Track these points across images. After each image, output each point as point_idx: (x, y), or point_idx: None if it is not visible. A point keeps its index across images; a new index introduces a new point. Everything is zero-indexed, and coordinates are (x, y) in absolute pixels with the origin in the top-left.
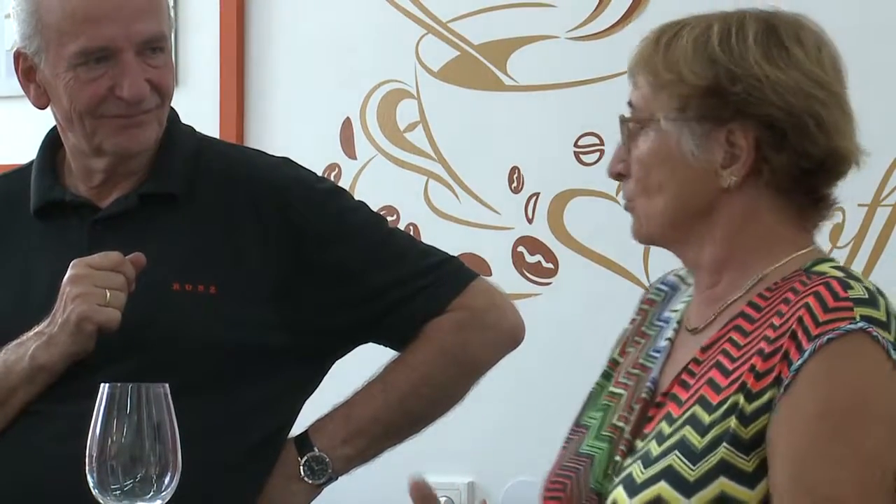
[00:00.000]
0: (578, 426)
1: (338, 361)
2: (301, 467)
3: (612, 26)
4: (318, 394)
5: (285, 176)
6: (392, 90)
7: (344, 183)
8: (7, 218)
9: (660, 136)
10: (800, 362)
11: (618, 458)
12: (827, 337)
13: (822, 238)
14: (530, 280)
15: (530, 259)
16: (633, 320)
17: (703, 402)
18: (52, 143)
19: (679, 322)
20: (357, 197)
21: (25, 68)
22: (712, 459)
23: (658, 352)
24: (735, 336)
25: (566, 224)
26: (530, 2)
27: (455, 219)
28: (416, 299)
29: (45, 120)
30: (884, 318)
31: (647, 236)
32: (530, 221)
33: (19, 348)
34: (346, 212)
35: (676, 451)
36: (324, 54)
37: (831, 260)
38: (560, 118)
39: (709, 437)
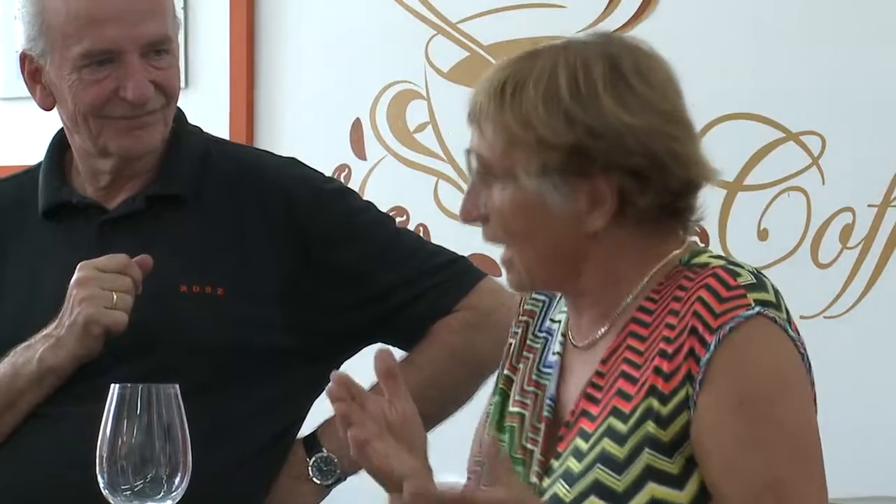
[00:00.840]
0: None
1: (346, 362)
2: (309, 468)
3: (622, 27)
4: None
5: (293, 176)
6: (402, 91)
7: (354, 184)
8: (15, 219)
9: (519, 190)
10: (707, 356)
11: (534, 480)
12: (728, 327)
13: (832, 238)
14: None
15: None
16: (515, 333)
17: (616, 412)
18: (59, 145)
19: (564, 335)
20: (367, 198)
21: (31, 70)
22: (637, 467)
23: (549, 367)
24: (633, 343)
25: None
26: (540, 2)
27: None
28: (424, 299)
29: (53, 121)
30: (773, 300)
31: (529, 286)
32: None
33: (27, 351)
34: (353, 212)
35: (599, 465)
36: (333, 55)
37: (706, 250)
38: None
39: (628, 445)
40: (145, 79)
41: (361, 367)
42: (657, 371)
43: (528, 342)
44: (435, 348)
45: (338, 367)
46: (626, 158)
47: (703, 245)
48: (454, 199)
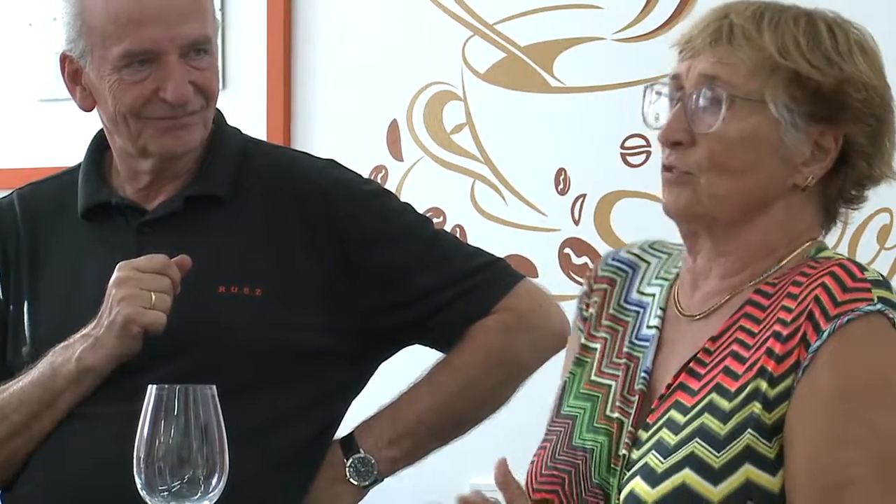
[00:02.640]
0: (560, 417)
1: (383, 363)
2: (347, 469)
3: (659, 28)
4: (364, 395)
5: (331, 178)
6: (438, 92)
7: (391, 185)
8: (55, 220)
9: (762, 119)
10: (818, 344)
11: (623, 451)
12: (847, 318)
13: (870, 240)
14: (577, 282)
15: (577, 261)
16: (592, 302)
17: (720, 389)
18: (98, 146)
19: (663, 308)
20: (404, 199)
21: (71, 71)
22: (737, 446)
23: (644, 339)
24: (747, 324)
25: (613, 226)
26: (577, 3)
27: (502, 220)
28: (462, 301)
29: (93, 122)
30: (894, 299)
31: (702, 214)
32: (577, 223)
33: (66, 350)
34: (391, 213)
35: (697, 439)
36: (370, 56)
37: (827, 248)
38: (607, 120)
39: (731, 423)
40: (185, 79)
41: (399, 369)
42: (769, 352)
43: (611, 312)
44: (472, 350)
45: (375, 369)
46: (869, 118)
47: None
48: (491, 201)
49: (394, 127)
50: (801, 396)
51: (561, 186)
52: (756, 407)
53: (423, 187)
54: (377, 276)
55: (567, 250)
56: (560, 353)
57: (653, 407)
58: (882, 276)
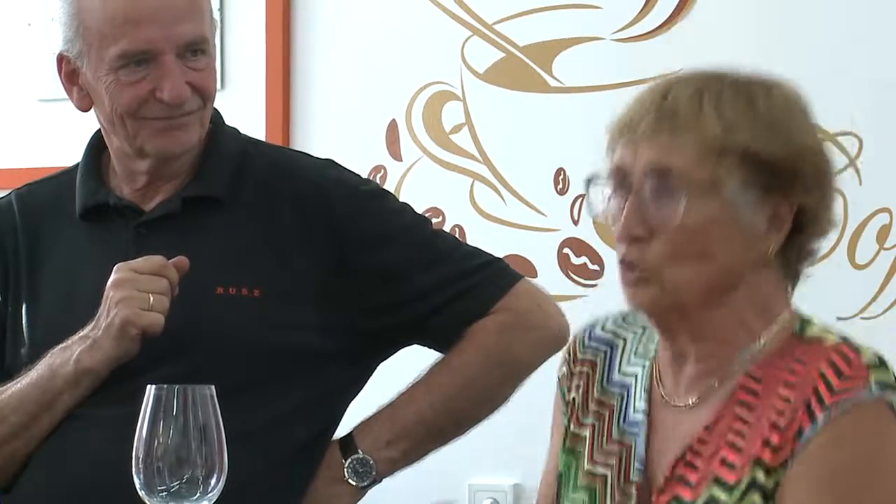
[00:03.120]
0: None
1: (382, 363)
2: (345, 469)
3: (658, 28)
4: (363, 396)
5: (330, 178)
6: (437, 92)
7: (389, 185)
8: (52, 221)
9: (719, 203)
10: (810, 433)
11: None
12: (842, 409)
13: (869, 239)
14: (576, 282)
15: (576, 261)
16: (574, 386)
17: (719, 482)
18: (96, 146)
19: (647, 391)
20: (403, 199)
21: (68, 71)
22: None
23: (633, 425)
24: (741, 412)
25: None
26: (576, 3)
27: (501, 220)
28: (461, 301)
29: (91, 122)
30: (892, 381)
31: (671, 306)
32: (576, 223)
33: (64, 352)
34: (390, 214)
35: None
36: (369, 56)
37: (812, 321)
38: (606, 120)
39: None
40: (182, 80)
41: (397, 369)
42: (766, 443)
43: (597, 396)
44: (471, 350)
45: (374, 369)
46: (819, 181)
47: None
48: (490, 201)
49: (393, 127)
50: (791, 484)
51: (560, 186)
52: (756, 498)
53: (422, 187)
54: (376, 277)
55: (566, 250)
56: (559, 354)
57: (652, 500)
58: (879, 356)
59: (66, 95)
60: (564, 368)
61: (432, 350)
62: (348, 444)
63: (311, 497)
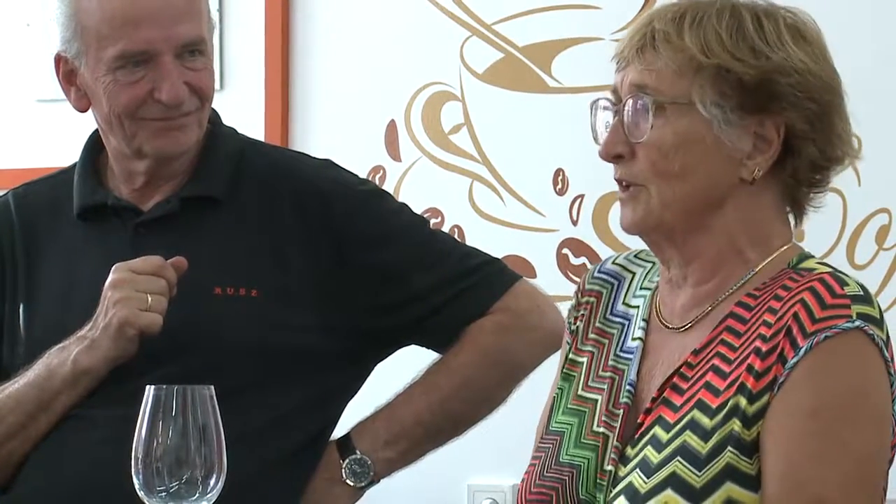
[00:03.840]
0: (549, 433)
1: (380, 363)
2: (343, 470)
3: None
4: (361, 396)
5: (328, 178)
6: (436, 92)
7: (388, 185)
8: (50, 221)
9: (693, 120)
10: (794, 360)
11: (609, 467)
12: (824, 335)
13: (868, 240)
14: (575, 282)
15: (575, 261)
16: (579, 315)
17: (701, 405)
18: (94, 146)
19: (646, 320)
20: (401, 199)
21: (66, 72)
22: (718, 464)
23: (629, 352)
24: (728, 338)
25: (611, 226)
26: (575, 4)
27: (500, 221)
28: (459, 301)
29: (90, 123)
30: (878, 316)
31: (655, 224)
32: (575, 223)
33: (62, 352)
34: (388, 214)
35: (679, 458)
36: (368, 57)
37: (813, 257)
38: None
39: (712, 441)
40: (180, 80)
41: (395, 370)
42: (749, 368)
43: (598, 325)
44: (469, 350)
45: (372, 369)
46: (807, 102)
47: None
48: (489, 201)
49: (392, 127)
50: (775, 412)
51: (559, 187)
52: (736, 424)
53: (421, 188)
54: (374, 277)
55: (565, 250)
56: (556, 355)
57: (640, 421)
58: (864, 290)
59: (64, 96)
60: (573, 300)
61: (430, 350)
62: (346, 444)
63: (310, 497)
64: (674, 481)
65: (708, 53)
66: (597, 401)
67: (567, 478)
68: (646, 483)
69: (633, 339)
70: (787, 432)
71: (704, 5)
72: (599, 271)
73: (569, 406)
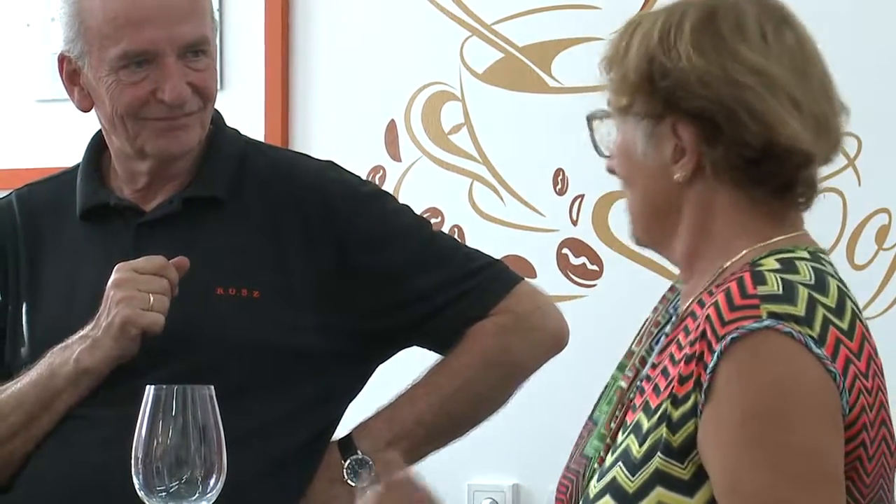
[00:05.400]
0: (590, 420)
1: (381, 364)
2: (344, 470)
3: None
4: (362, 397)
5: (329, 179)
6: (436, 92)
7: (388, 185)
8: (53, 221)
9: (619, 132)
10: (712, 364)
11: (596, 465)
12: (730, 337)
13: (868, 240)
14: (575, 282)
15: (575, 261)
16: (656, 308)
17: (646, 408)
18: (96, 147)
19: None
20: (401, 199)
21: (69, 71)
22: (649, 469)
23: (658, 344)
24: (681, 337)
25: (611, 226)
26: (575, 3)
27: (500, 221)
28: (460, 303)
29: (90, 123)
30: (801, 313)
31: (635, 238)
32: (575, 223)
33: (64, 351)
34: (389, 215)
35: (620, 463)
36: (368, 57)
37: (791, 251)
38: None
39: (646, 445)
40: (182, 80)
41: (397, 371)
42: (679, 373)
43: (659, 318)
44: (470, 352)
45: (373, 370)
46: (691, 100)
47: (805, 245)
48: (489, 201)
49: (392, 127)
50: (706, 422)
51: (559, 187)
52: (664, 430)
53: (420, 188)
54: (375, 278)
55: (565, 251)
56: (560, 355)
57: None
58: (784, 288)
59: (64, 96)
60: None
61: (432, 352)
62: (348, 444)
63: (311, 497)
64: (612, 487)
65: (619, 67)
66: (623, 391)
67: (582, 469)
68: (595, 487)
69: (664, 333)
70: (724, 444)
71: (640, 18)
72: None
73: (612, 396)
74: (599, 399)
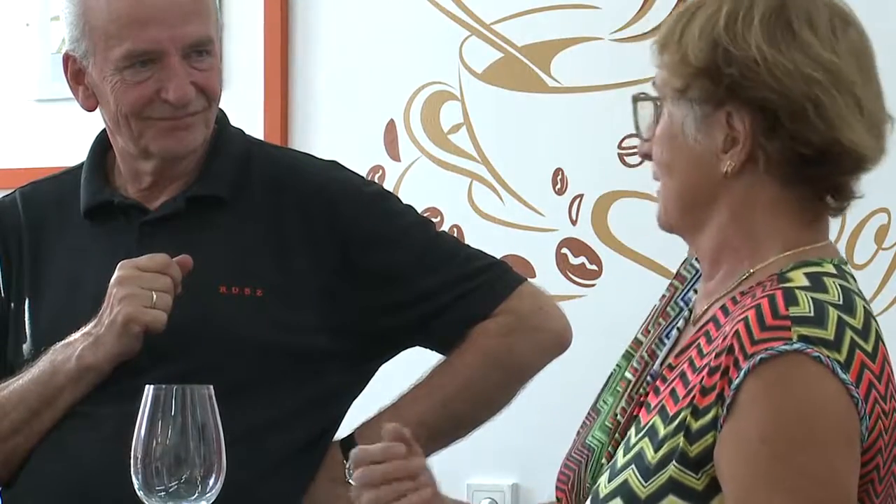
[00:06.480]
0: (594, 410)
1: (384, 365)
2: (346, 470)
3: (656, 28)
4: (365, 397)
5: (333, 179)
6: (436, 92)
7: (388, 185)
8: (57, 219)
9: (668, 116)
10: (738, 381)
11: (603, 460)
12: (759, 357)
13: (867, 239)
14: (574, 282)
15: (574, 261)
16: (663, 296)
17: (662, 412)
18: (101, 146)
19: (690, 311)
20: (401, 199)
21: (74, 71)
22: (663, 477)
23: (668, 339)
24: (703, 343)
25: (610, 226)
26: (574, 3)
27: (499, 220)
28: (463, 303)
29: (89, 123)
30: (830, 337)
31: (665, 224)
32: (574, 223)
33: (67, 348)
34: (393, 215)
35: (633, 466)
36: (367, 56)
37: (818, 263)
38: (604, 120)
39: (661, 452)
40: (186, 80)
41: (399, 371)
42: (701, 383)
43: (667, 309)
44: (472, 352)
45: (375, 370)
46: (756, 90)
47: (831, 257)
48: (488, 201)
49: (391, 127)
50: (726, 437)
51: (558, 186)
52: (681, 439)
53: (420, 187)
54: (378, 278)
55: (564, 250)
56: (562, 355)
57: (635, 414)
58: (815, 310)
59: (63, 95)
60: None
61: (435, 352)
62: (350, 444)
63: (312, 497)
64: (624, 490)
65: (679, 50)
66: (631, 383)
67: (584, 460)
68: (606, 487)
69: (676, 328)
70: (742, 461)
71: (701, 3)
72: (695, 258)
73: (617, 387)
74: (603, 388)
